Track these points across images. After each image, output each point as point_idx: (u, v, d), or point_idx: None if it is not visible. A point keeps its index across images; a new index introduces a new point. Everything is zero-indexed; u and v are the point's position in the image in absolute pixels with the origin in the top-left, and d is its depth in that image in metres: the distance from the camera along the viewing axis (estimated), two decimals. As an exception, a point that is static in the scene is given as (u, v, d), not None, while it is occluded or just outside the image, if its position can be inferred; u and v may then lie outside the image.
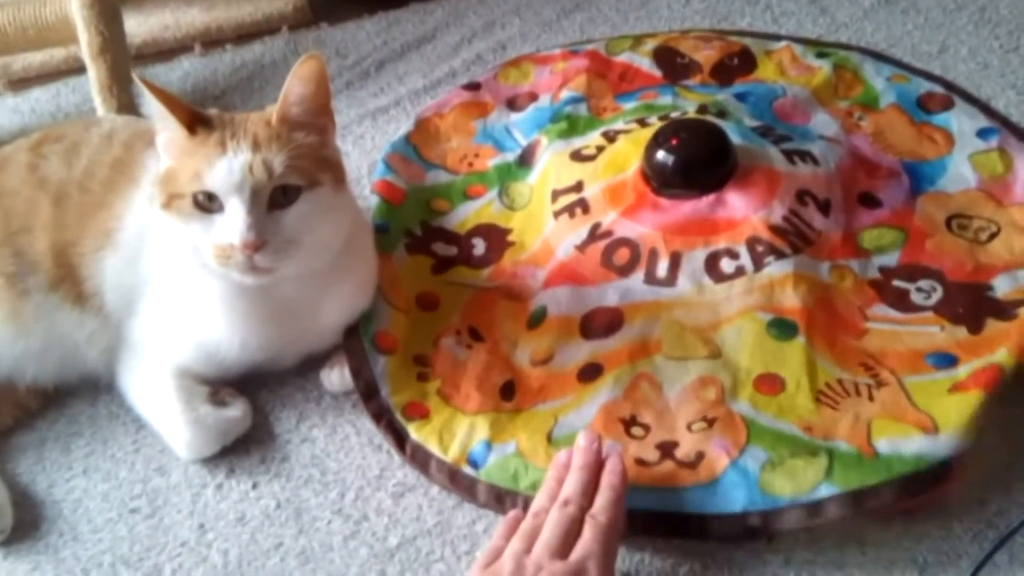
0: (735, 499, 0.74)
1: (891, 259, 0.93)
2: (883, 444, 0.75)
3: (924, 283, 0.90)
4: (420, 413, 0.85)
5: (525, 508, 0.76)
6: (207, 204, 0.75)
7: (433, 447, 0.82)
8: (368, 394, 0.86)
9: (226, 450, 0.85)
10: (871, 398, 0.80)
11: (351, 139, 1.15)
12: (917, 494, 0.73)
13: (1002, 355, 0.80)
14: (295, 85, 0.76)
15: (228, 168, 0.74)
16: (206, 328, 0.84)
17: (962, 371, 0.81)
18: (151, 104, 0.76)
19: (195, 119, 0.77)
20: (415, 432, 0.83)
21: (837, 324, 0.87)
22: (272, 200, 0.76)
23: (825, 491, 0.73)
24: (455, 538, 0.78)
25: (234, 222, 0.74)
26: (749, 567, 0.74)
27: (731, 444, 0.77)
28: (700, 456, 0.77)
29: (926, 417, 0.77)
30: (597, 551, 0.66)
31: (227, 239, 0.75)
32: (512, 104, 1.16)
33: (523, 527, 0.69)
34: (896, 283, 0.91)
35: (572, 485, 0.71)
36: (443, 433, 0.83)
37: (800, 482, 0.74)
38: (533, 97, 1.16)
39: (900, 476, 0.73)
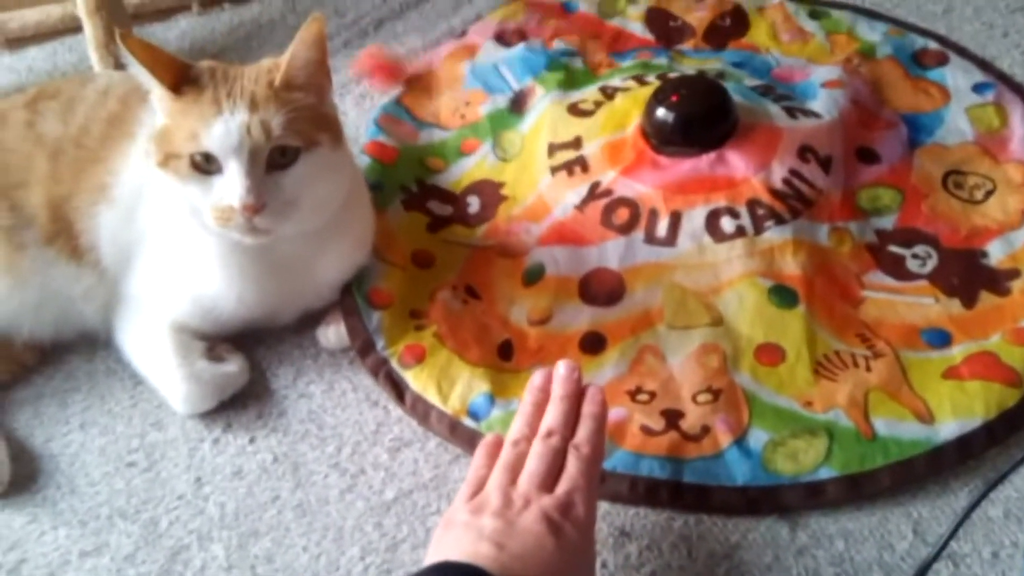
0: (738, 473, 0.75)
1: (888, 222, 0.93)
2: (881, 425, 0.77)
3: (919, 249, 0.90)
4: (416, 356, 0.85)
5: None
6: (205, 165, 0.75)
7: (432, 397, 0.82)
8: (365, 350, 0.86)
9: (223, 405, 0.85)
10: (868, 368, 0.80)
11: (350, 99, 1.14)
12: (914, 481, 0.75)
13: (996, 342, 0.81)
14: (301, 49, 0.76)
15: (225, 129, 0.73)
16: (203, 284, 0.84)
17: (956, 352, 0.82)
18: (135, 65, 0.75)
19: (181, 78, 0.75)
20: (413, 380, 0.83)
21: (835, 291, 0.87)
22: (271, 161, 0.75)
23: (825, 473, 0.74)
24: (451, 492, 0.78)
25: (233, 184, 0.74)
26: (744, 523, 0.75)
27: (735, 423, 0.77)
28: (705, 430, 0.77)
29: (920, 402, 0.78)
30: (582, 484, 0.65)
31: (226, 201, 0.74)
32: (500, 38, 1.14)
33: (505, 457, 0.68)
34: (892, 248, 0.91)
35: (555, 416, 0.70)
36: (441, 381, 0.83)
37: (801, 463, 0.75)
38: (521, 35, 1.15)
39: (898, 461, 0.74)
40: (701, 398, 0.80)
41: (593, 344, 0.86)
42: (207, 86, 0.75)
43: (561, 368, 0.73)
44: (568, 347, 0.85)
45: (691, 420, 0.78)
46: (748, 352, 0.83)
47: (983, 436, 0.76)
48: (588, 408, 0.71)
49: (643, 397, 0.81)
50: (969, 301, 0.86)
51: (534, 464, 0.67)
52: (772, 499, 0.75)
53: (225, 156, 0.74)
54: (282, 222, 0.77)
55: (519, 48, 1.12)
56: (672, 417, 0.79)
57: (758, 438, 0.76)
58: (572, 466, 0.67)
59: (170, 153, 0.76)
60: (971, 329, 0.84)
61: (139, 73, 0.76)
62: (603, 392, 0.73)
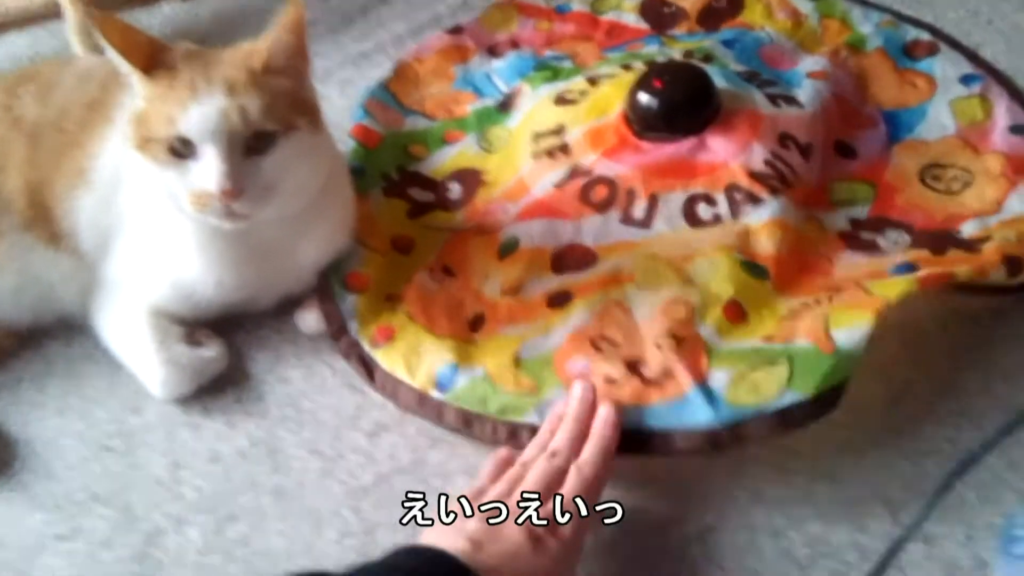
0: (701, 416, 0.74)
1: (861, 212, 0.93)
2: (841, 336, 0.75)
3: (893, 234, 0.90)
4: (386, 336, 0.85)
5: (494, 432, 0.77)
6: (182, 150, 0.74)
7: (401, 373, 0.82)
8: (338, 333, 0.86)
9: (201, 390, 0.85)
10: (830, 301, 0.80)
11: (333, 84, 1.13)
12: None
13: (961, 269, 0.81)
14: (280, 34, 0.75)
15: (202, 114, 0.72)
16: (181, 268, 0.83)
17: (920, 273, 0.81)
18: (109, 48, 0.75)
19: (156, 60, 0.75)
20: (383, 359, 0.83)
21: (804, 269, 0.87)
22: (248, 146, 0.74)
23: (790, 398, 0.73)
24: (429, 475, 0.78)
25: (210, 169, 0.73)
26: (720, 505, 0.75)
27: (695, 369, 0.77)
28: (667, 374, 0.77)
29: (880, 300, 0.77)
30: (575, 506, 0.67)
31: (203, 186, 0.74)
32: (493, 51, 1.15)
33: (510, 474, 0.70)
34: (864, 235, 0.91)
35: (562, 436, 0.71)
36: (410, 357, 0.82)
37: (764, 393, 0.74)
38: (514, 45, 1.15)
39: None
40: (663, 342, 0.79)
41: (560, 300, 0.85)
42: (184, 69, 0.75)
43: (576, 389, 0.75)
44: (536, 308, 0.85)
45: (652, 366, 0.78)
46: (716, 307, 0.82)
47: None
48: (599, 428, 0.73)
49: (606, 346, 0.80)
50: (938, 252, 0.86)
51: (531, 480, 0.68)
52: (738, 434, 0.73)
53: (202, 141, 0.73)
54: (260, 207, 0.76)
55: (510, 56, 1.12)
56: (634, 364, 0.78)
57: (719, 379, 0.76)
58: (569, 486, 0.68)
59: (147, 137, 0.75)
60: (939, 264, 0.83)
61: (113, 56, 0.75)
62: (616, 414, 0.73)
